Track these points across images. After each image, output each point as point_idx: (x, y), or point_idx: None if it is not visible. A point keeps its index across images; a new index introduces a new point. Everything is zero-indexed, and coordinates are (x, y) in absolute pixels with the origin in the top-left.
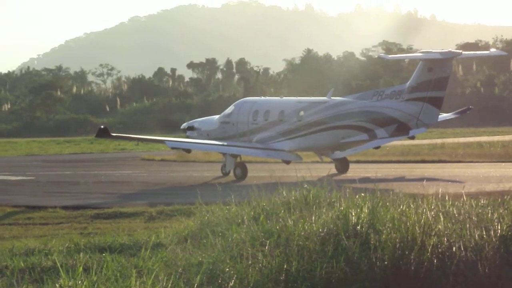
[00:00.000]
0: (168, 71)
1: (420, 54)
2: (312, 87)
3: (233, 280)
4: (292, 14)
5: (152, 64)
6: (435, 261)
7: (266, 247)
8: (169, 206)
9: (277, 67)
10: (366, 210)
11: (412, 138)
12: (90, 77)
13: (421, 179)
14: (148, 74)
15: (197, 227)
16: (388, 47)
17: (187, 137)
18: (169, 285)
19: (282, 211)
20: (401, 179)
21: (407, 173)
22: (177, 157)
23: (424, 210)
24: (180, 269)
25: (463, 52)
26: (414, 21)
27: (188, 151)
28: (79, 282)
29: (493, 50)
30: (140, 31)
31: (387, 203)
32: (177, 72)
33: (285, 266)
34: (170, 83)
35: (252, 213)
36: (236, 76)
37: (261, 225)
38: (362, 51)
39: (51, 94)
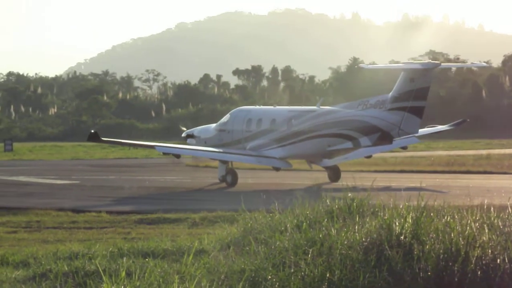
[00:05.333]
0: (214, 77)
1: (402, 64)
2: (358, 96)
3: None
4: (339, 23)
5: (198, 70)
6: (479, 273)
7: (309, 256)
8: (212, 212)
9: (323, 75)
10: (410, 220)
11: (405, 148)
12: (136, 83)
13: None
14: (194, 80)
15: (240, 234)
16: (435, 56)
17: (187, 144)
18: None
19: (325, 220)
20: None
21: (452, 183)
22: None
23: (469, 221)
24: (223, 275)
25: (442, 64)
26: (462, 31)
27: (177, 156)
28: (122, 287)
29: (474, 62)
30: (186, 37)
31: (431, 214)
32: (223, 79)
33: (327, 275)
34: (216, 89)
35: (295, 221)
36: (282, 84)
37: (304, 233)
38: (408, 60)
39: (97, 98)
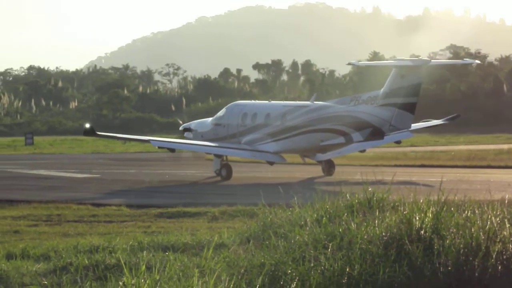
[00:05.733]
0: (234, 71)
1: (392, 61)
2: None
3: (295, 282)
4: (359, 16)
5: (218, 64)
6: (499, 267)
7: (329, 250)
8: (232, 206)
9: (343, 69)
10: (430, 215)
11: (399, 142)
12: (157, 77)
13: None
14: (214, 74)
15: (259, 228)
16: (456, 51)
17: (185, 138)
18: (231, 285)
19: (345, 214)
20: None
21: (472, 177)
22: (241, 158)
23: (489, 216)
24: (242, 270)
25: (432, 60)
26: (483, 25)
27: (172, 150)
28: (142, 280)
29: (466, 59)
30: (206, 31)
31: (452, 208)
32: (243, 73)
33: (347, 269)
34: (236, 83)
35: (315, 215)
36: (302, 78)
37: (324, 228)
38: (429, 55)
39: (117, 92)
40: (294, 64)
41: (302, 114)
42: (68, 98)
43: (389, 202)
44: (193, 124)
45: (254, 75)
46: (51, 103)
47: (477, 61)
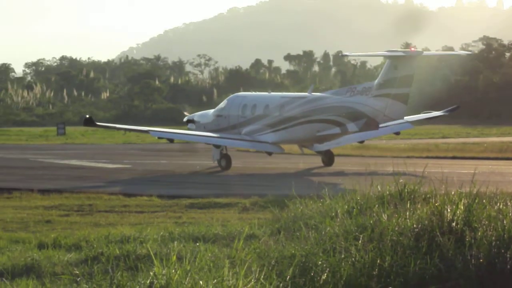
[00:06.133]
0: (265, 62)
1: (385, 52)
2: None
3: (325, 274)
4: (391, 7)
5: (249, 55)
6: None
7: (360, 242)
8: (263, 197)
9: (375, 60)
10: (462, 207)
11: (398, 134)
12: (188, 67)
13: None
14: (245, 65)
15: (290, 219)
16: (489, 42)
17: (188, 129)
18: (262, 276)
19: (376, 206)
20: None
21: (505, 169)
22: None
23: None
24: (273, 261)
25: (424, 52)
26: None
27: (171, 141)
28: (173, 271)
29: (460, 50)
30: (238, 22)
31: (484, 200)
32: (274, 64)
33: (378, 261)
34: (267, 75)
35: (346, 206)
36: (333, 69)
37: (355, 219)
38: (461, 46)
39: (149, 83)
40: (326, 55)
41: (299, 105)
42: (99, 89)
43: (421, 194)
44: (196, 115)
45: (285, 66)
46: (83, 93)
47: (469, 52)
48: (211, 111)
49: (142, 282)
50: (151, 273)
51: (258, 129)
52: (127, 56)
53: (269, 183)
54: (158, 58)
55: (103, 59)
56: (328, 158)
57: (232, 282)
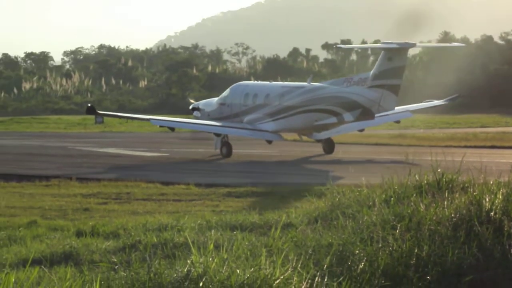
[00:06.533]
0: (303, 51)
1: (379, 44)
2: (448, 71)
3: (363, 263)
4: None
5: (287, 44)
6: None
7: (397, 231)
8: (300, 186)
9: (413, 49)
10: (501, 196)
11: (398, 122)
12: (226, 56)
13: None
14: (283, 54)
15: (327, 208)
16: None
17: (194, 117)
18: (299, 265)
19: (414, 195)
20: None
21: None
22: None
23: None
24: (310, 249)
25: (417, 44)
26: None
27: (172, 129)
28: (210, 259)
29: (454, 42)
30: (276, 11)
31: None
32: (312, 53)
33: (415, 251)
34: (305, 63)
35: (384, 196)
36: (371, 58)
37: (392, 208)
38: (501, 35)
39: (186, 72)
40: (363, 44)
41: (298, 95)
42: (137, 77)
43: (459, 183)
44: (201, 103)
45: (323, 55)
46: (121, 81)
47: (464, 44)
48: (215, 99)
49: (180, 270)
50: (188, 261)
51: (259, 118)
52: (165, 45)
53: (307, 172)
54: (195, 46)
55: (141, 47)
56: (329, 146)
57: (269, 271)
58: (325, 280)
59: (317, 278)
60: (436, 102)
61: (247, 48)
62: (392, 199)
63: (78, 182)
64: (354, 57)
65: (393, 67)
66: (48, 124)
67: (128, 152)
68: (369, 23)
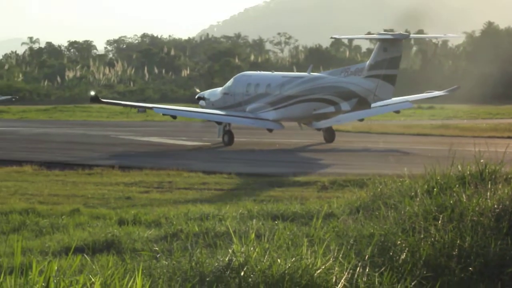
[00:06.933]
0: (345, 41)
1: (375, 35)
2: (492, 61)
3: (404, 253)
4: None
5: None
6: None
7: (439, 222)
8: (342, 176)
9: (456, 39)
10: None
11: (397, 112)
12: (268, 46)
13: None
14: (325, 43)
15: (369, 199)
16: None
17: (199, 106)
18: (340, 255)
19: (456, 186)
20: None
21: None
22: (352, 127)
23: None
24: (352, 240)
25: (411, 35)
26: None
27: (174, 117)
28: (251, 248)
29: (449, 34)
30: (318, 0)
31: None
32: (354, 43)
33: (458, 241)
34: (347, 53)
35: (426, 186)
36: (414, 48)
37: (435, 199)
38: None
39: (229, 61)
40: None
41: (297, 85)
42: (180, 66)
43: (502, 174)
44: (206, 93)
45: (365, 45)
46: (163, 71)
47: (458, 36)
48: (219, 89)
49: (221, 259)
50: (229, 251)
51: (260, 107)
52: (207, 34)
53: (347, 162)
54: (238, 36)
55: (184, 37)
56: (329, 135)
57: (310, 261)
58: (367, 270)
59: (358, 268)
60: (437, 93)
61: (290, 37)
62: (434, 189)
63: (120, 170)
64: None
65: (388, 58)
66: (91, 112)
67: (169, 141)
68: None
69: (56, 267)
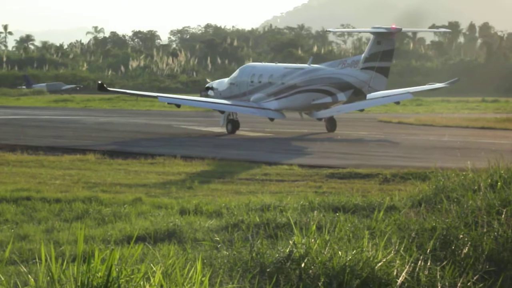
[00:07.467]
0: (409, 33)
1: (369, 29)
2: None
3: (467, 247)
4: None
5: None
6: None
7: (503, 216)
8: (404, 169)
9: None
10: None
11: (398, 103)
12: (331, 37)
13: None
14: None
15: (431, 192)
16: None
17: (208, 95)
18: (402, 248)
19: None
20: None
21: None
22: (415, 120)
23: None
24: (413, 233)
25: (403, 29)
26: None
27: (178, 106)
28: (312, 240)
29: (441, 28)
30: None
31: None
32: (419, 35)
33: None
34: (411, 45)
35: (489, 180)
36: (479, 41)
37: (498, 193)
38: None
39: (292, 52)
40: (471, 27)
41: (298, 76)
42: (243, 57)
43: None
44: (214, 83)
45: (430, 37)
46: (226, 61)
47: (449, 30)
48: (227, 79)
49: (282, 250)
50: (290, 242)
51: (264, 97)
52: (270, 25)
53: (409, 154)
54: (301, 27)
55: (247, 27)
56: (331, 124)
57: (371, 253)
58: (428, 264)
59: (420, 261)
60: (438, 85)
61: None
62: (498, 183)
63: (182, 160)
64: (461, 39)
65: (382, 51)
66: (154, 102)
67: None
68: (476, 6)
69: (118, 256)
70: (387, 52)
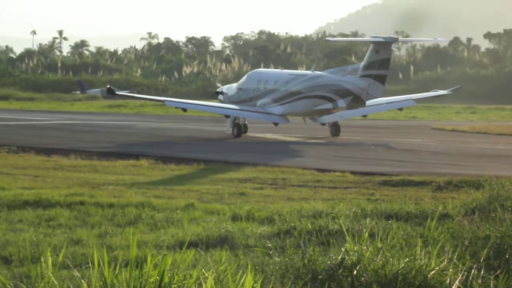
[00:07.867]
0: (464, 40)
1: (367, 38)
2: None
3: None
4: None
5: (448, 33)
6: None
7: None
8: (457, 176)
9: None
10: None
11: (400, 109)
12: None
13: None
14: (443, 43)
15: (485, 200)
16: None
17: (218, 100)
18: (455, 256)
19: None
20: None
21: None
22: (469, 127)
23: None
24: (467, 241)
25: (400, 38)
26: None
27: (184, 110)
28: (364, 247)
29: (437, 37)
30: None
31: None
32: (473, 42)
33: None
34: (466, 53)
35: None
36: None
37: None
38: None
39: (345, 59)
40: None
41: (301, 82)
42: (296, 64)
43: None
44: (224, 88)
45: (485, 45)
46: (280, 67)
47: (445, 39)
48: (235, 84)
49: (334, 257)
50: (342, 249)
51: (269, 102)
52: (324, 32)
53: (463, 162)
54: (355, 34)
55: (301, 34)
56: (335, 129)
57: (424, 261)
58: (482, 272)
59: (473, 270)
60: (441, 92)
61: (407, 36)
62: None
63: (234, 166)
64: None
65: (380, 59)
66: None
67: (285, 138)
68: None
69: (170, 261)
70: (385, 61)
